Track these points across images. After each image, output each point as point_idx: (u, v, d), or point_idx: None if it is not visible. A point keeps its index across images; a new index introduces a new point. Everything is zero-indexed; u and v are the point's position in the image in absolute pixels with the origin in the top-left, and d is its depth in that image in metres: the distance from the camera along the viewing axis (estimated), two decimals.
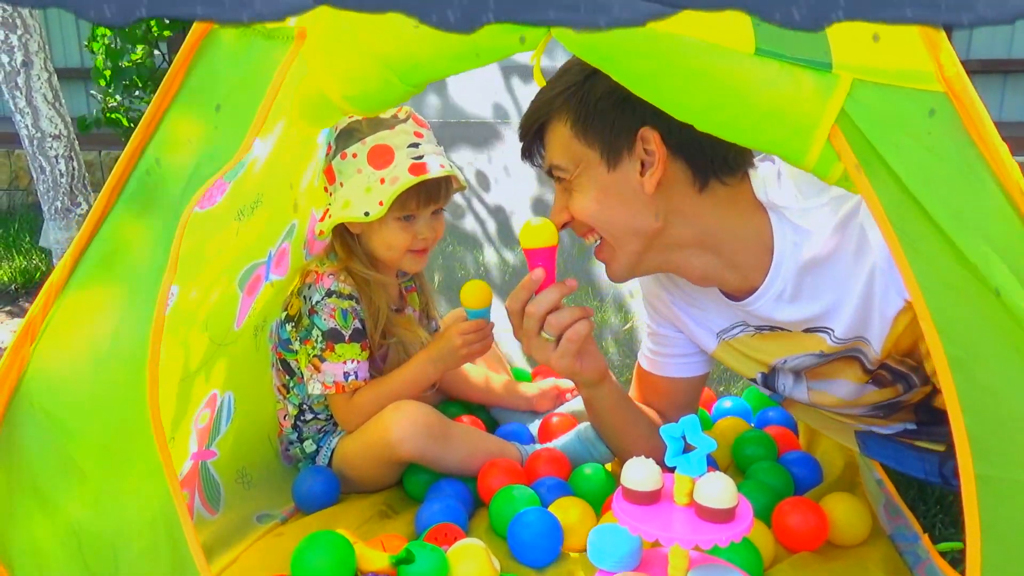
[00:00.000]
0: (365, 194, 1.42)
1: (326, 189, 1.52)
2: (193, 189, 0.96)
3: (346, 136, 1.47)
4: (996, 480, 0.81)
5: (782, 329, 1.25)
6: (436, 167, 1.43)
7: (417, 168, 1.42)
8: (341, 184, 1.47)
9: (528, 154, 1.28)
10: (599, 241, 1.23)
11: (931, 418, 1.26)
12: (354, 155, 1.45)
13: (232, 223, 1.26)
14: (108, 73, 3.64)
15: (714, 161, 1.15)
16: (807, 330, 1.22)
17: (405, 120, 1.49)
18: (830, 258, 1.13)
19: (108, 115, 3.70)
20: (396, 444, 1.43)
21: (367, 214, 1.41)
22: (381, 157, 1.44)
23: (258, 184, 1.28)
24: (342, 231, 1.52)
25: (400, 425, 1.43)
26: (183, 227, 0.95)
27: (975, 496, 0.80)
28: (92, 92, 3.83)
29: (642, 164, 1.15)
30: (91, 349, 1.02)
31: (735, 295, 1.25)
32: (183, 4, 0.51)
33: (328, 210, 1.49)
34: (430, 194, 1.47)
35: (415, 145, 1.46)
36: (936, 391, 1.22)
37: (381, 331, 1.55)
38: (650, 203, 1.16)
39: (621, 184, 1.16)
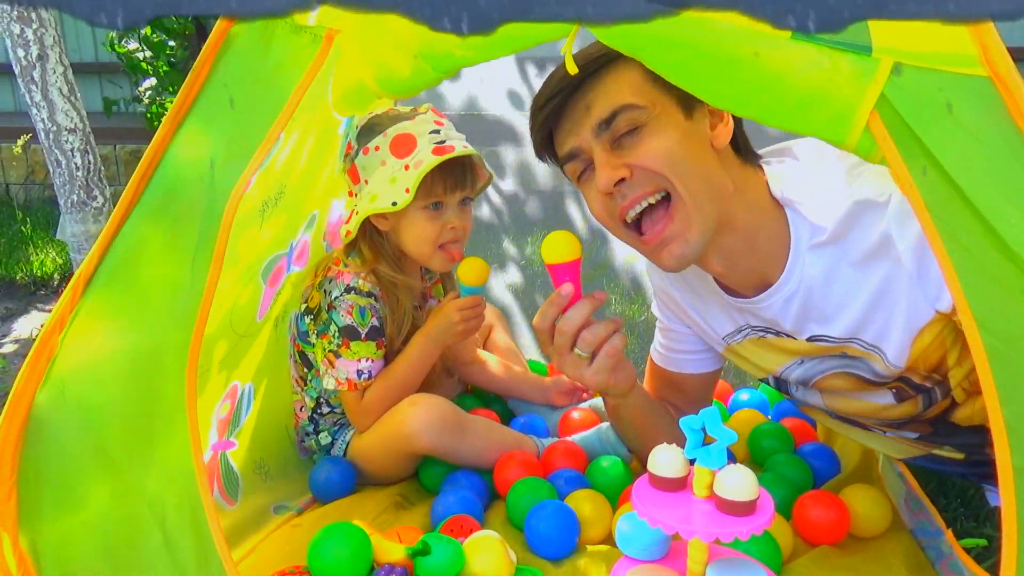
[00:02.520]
0: (390, 184, 1.42)
1: (351, 193, 1.51)
2: (230, 182, 0.96)
3: (367, 132, 1.47)
4: None
5: (786, 335, 1.21)
6: (459, 147, 1.43)
7: (440, 150, 1.42)
8: (366, 181, 1.46)
9: (570, 101, 1.12)
10: (660, 201, 1.09)
11: (948, 430, 1.23)
12: (376, 148, 1.45)
13: (256, 216, 1.26)
14: (144, 65, 3.63)
15: (746, 140, 1.12)
16: (810, 339, 1.18)
17: (425, 112, 1.50)
18: (843, 257, 1.09)
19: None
20: (412, 437, 1.43)
21: (394, 204, 1.40)
22: (404, 146, 1.43)
23: (281, 176, 1.27)
24: (370, 231, 1.50)
25: (416, 418, 1.43)
26: (229, 220, 0.96)
27: (1013, 489, 0.78)
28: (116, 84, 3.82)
29: (713, 117, 1.09)
30: (128, 341, 1.03)
31: (746, 292, 1.20)
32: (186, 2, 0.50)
33: (354, 210, 1.48)
34: (456, 179, 1.46)
35: (436, 131, 1.46)
36: (955, 405, 1.18)
37: (405, 335, 1.54)
38: (720, 162, 1.10)
39: (695, 133, 1.09)
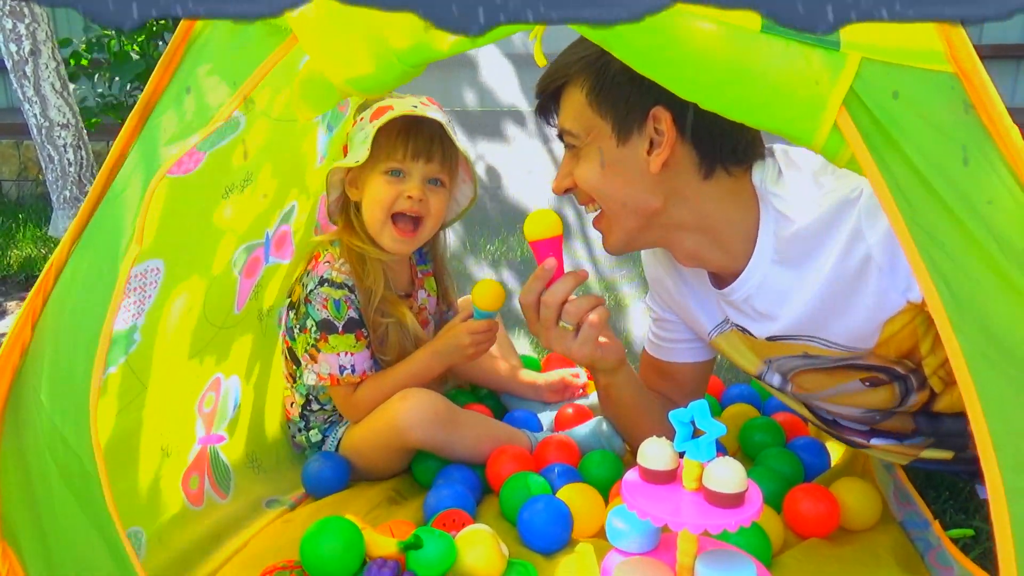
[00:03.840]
0: (360, 146, 1.42)
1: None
2: (159, 163, 0.95)
3: (361, 108, 1.49)
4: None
5: (750, 334, 1.25)
6: (426, 113, 1.43)
7: (406, 115, 1.43)
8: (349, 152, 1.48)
9: (543, 112, 1.27)
10: (599, 211, 1.23)
11: (931, 422, 1.24)
12: (361, 119, 1.46)
13: (219, 200, 1.25)
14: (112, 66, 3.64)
15: (722, 150, 1.14)
16: (770, 338, 1.21)
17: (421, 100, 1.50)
18: (811, 252, 1.11)
19: (105, 108, 3.72)
20: (404, 431, 1.43)
21: (356, 161, 1.41)
22: (382, 113, 1.43)
23: (248, 163, 1.27)
24: (345, 205, 1.52)
25: (408, 413, 1.43)
26: (150, 195, 0.94)
27: (1005, 507, 0.75)
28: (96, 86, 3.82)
29: (651, 143, 1.14)
30: (57, 325, 1.00)
31: (720, 281, 1.25)
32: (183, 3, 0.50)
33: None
34: (420, 147, 1.44)
35: (416, 106, 1.46)
36: (934, 395, 1.20)
37: (377, 309, 1.51)
38: (653, 183, 1.16)
39: (628, 160, 1.16)
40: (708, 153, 1.14)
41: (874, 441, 1.31)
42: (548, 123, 1.28)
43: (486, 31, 0.46)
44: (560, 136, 1.23)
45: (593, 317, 1.24)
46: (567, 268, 1.27)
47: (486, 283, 1.50)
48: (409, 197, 1.45)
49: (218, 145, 1.14)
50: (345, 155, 1.50)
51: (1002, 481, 0.74)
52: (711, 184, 1.16)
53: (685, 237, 1.20)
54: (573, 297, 1.25)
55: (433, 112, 1.46)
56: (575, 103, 1.18)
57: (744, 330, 1.26)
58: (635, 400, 1.43)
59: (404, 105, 1.45)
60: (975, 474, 1.32)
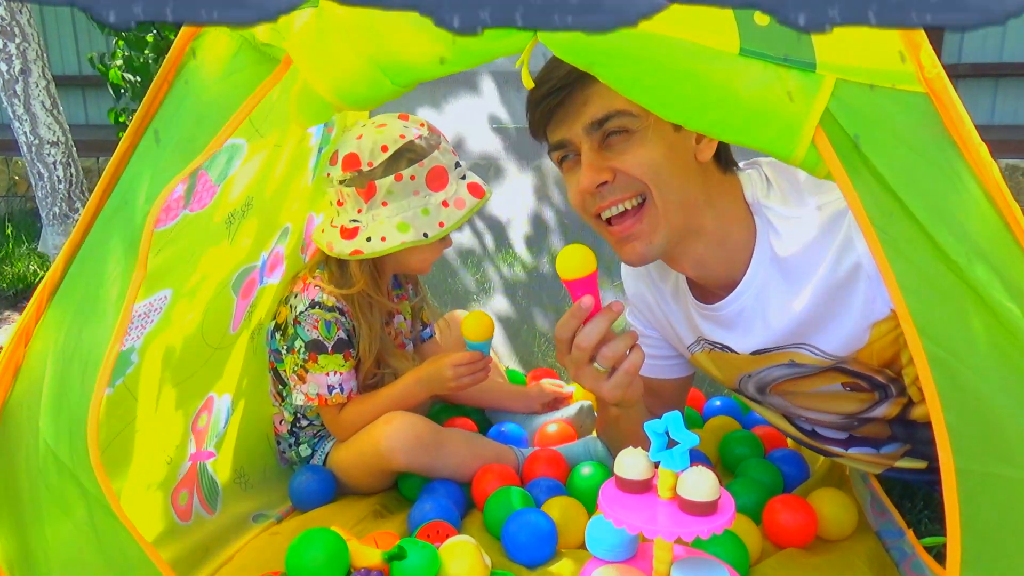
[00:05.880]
0: (423, 216, 1.44)
1: (339, 203, 1.48)
2: (155, 193, 0.97)
3: (397, 158, 1.44)
4: (976, 474, 0.82)
5: (730, 351, 1.25)
6: (486, 188, 1.51)
7: (474, 189, 1.49)
8: (383, 204, 1.44)
9: (567, 90, 1.12)
10: (636, 205, 1.13)
11: (906, 430, 1.26)
12: (412, 177, 1.44)
13: (223, 230, 1.28)
14: (127, 86, 3.65)
15: (728, 146, 1.15)
16: (754, 352, 1.22)
17: (423, 128, 1.49)
18: (807, 264, 1.13)
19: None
20: (387, 456, 1.44)
21: (426, 236, 1.44)
22: (438, 179, 1.47)
23: (248, 188, 1.30)
24: (366, 264, 1.51)
25: (391, 438, 1.44)
26: (151, 225, 0.96)
27: (955, 490, 0.82)
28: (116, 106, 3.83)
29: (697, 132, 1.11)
30: (57, 353, 1.02)
31: (720, 294, 1.24)
32: (185, 5, 0.52)
33: (357, 228, 1.46)
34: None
35: (459, 165, 1.51)
36: (911, 404, 1.22)
37: (375, 359, 1.55)
38: (698, 174, 1.14)
39: (681, 146, 1.12)
40: (724, 149, 1.16)
41: (852, 450, 1.33)
42: (581, 104, 1.12)
43: (483, 31, 0.49)
44: (599, 124, 1.11)
45: (627, 365, 1.17)
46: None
47: (475, 315, 1.51)
48: (443, 250, 1.57)
49: (228, 175, 1.16)
50: (365, 195, 1.44)
51: (953, 465, 0.81)
52: (727, 181, 1.17)
53: (698, 241, 1.18)
54: (611, 334, 1.17)
55: (477, 178, 1.52)
56: None
57: (725, 347, 1.26)
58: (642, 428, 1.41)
59: (455, 175, 1.49)
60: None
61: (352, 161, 1.44)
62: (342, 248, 1.46)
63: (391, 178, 1.43)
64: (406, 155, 1.45)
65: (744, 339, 1.23)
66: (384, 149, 1.44)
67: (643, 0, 0.52)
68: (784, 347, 1.20)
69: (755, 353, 1.23)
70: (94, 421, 0.96)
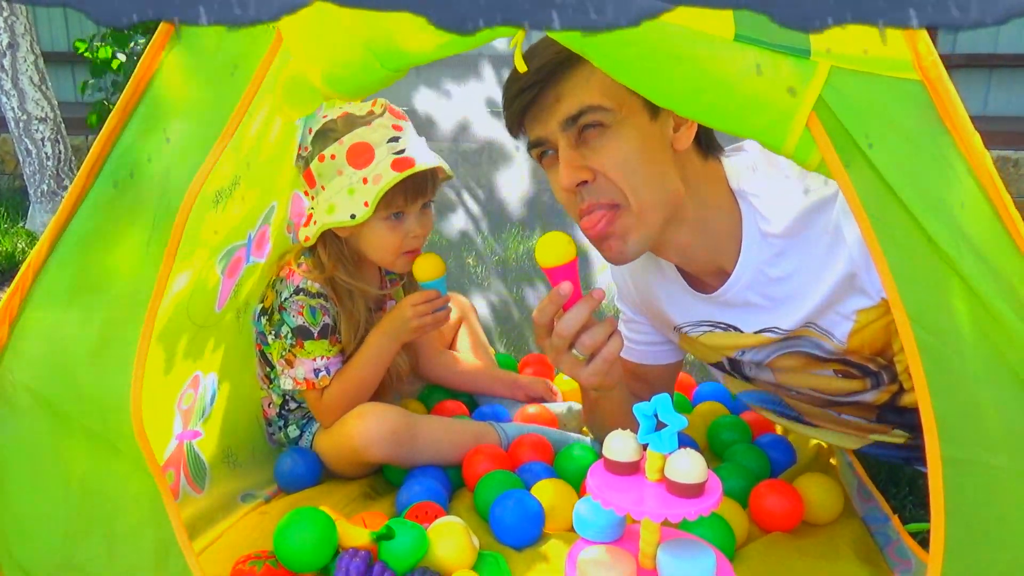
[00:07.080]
0: (348, 196, 1.40)
1: (307, 193, 1.50)
2: (184, 177, 0.96)
3: (322, 137, 1.44)
4: (961, 462, 0.83)
5: (735, 330, 1.25)
6: (420, 160, 1.41)
7: (400, 163, 1.39)
8: (322, 187, 1.44)
9: (539, 96, 1.11)
10: (613, 209, 1.11)
11: (894, 414, 1.27)
12: (332, 156, 1.41)
13: (210, 207, 1.26)
14: (117, 64, 3.60)
15: (712, 131, 1.14)
16: (759, 331, 1.22)
17: (381, 114, 1.45)
18: (797, 252, 1.13)
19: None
20: (362, 450, 1.44)
21: (353, 217, 1.39)
22: (361, 156, 1.41)
23: (235, 166, 1.28)
24: (328, 236, 1.49)
25: (365, 433, 1.43)
26: (185, 215, 0.95)
27: (941, 477, 0.83)
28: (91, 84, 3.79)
29: (675, 119, 1.09)
30: (78, 333, 1.01)
31: (709, 282, 1.24)
32: (184, 6, 0.52)
33: (312, 215, 1.47)
34: (417, 188, 1.44)
35: (395, 139, 1.43)
36: (902, 391, 1.23)
37: (360, 339, 1.54)
38: (675, 165, 1.11)
39: (657, 137, 1.09)
40: (706, 133, 1.14)
41: (844, 415, 1.33)
42: (554, 100, 1.11)
43: (480, 31, 0.49)
44: (572, 120, 1.09)
45: (606, 352, 1.17)
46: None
47: (425, 256, 1.51)
48: (415, 236, 1.49)
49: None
50: (308, 181, 1.46)
51: (940, 453, 0.82)
52: (708, 168, 1.16)
53: (680, 230, 1.16)
54: (592, 320, 1.17)
55: (423, 152, 1.44)
56: (603, 77, 0.99)
57: (730, 327, 1.25)
58: (622, 411, 1.38)
59: (384, 149, 1.41)
60: (922, 460, 1.36)
61: (301, 148, 1.46)
62: (302, 235, 1.47)
63: (317, 160, 1.43)
64: (329, 135, 1.43)
65: (753, 318, 1.21)
66: (311, 132, 1.44)
67: (643, 1, 0.51)
68: (787, 330, 1.20)
69: (760, 332, 1.22)
70: (137, 400, 0.98)
